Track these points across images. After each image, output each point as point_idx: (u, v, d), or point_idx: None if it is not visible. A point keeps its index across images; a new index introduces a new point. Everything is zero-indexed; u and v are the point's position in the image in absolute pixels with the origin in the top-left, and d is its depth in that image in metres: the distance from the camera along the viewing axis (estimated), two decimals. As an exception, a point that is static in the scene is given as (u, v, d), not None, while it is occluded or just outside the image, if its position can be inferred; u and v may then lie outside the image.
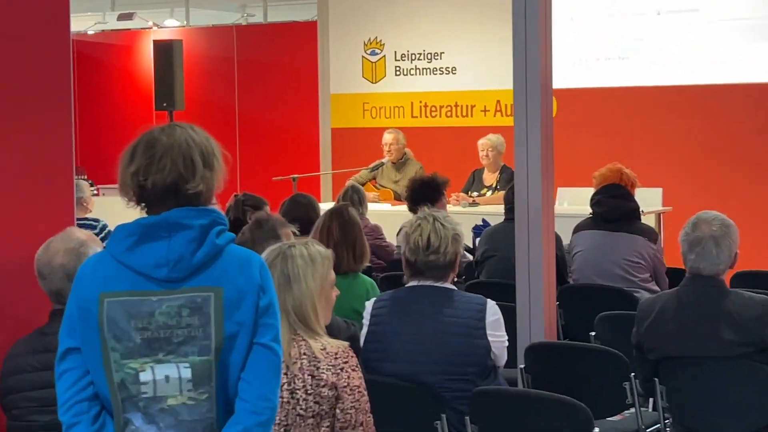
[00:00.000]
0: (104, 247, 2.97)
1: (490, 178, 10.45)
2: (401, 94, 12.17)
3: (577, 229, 7.08)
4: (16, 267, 4.31)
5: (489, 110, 11.75)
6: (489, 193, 10.39)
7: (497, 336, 4.50)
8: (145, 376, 2.84)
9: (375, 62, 12.36)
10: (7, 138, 4.37)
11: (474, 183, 10.48)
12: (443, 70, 11.99)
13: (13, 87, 4.39)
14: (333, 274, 3.89)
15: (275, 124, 12.74)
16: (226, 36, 14.10)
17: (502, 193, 10.15)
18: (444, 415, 4.41)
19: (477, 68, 11.80)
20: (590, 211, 7.04)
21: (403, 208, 8.93)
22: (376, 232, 8.23)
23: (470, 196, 10.14)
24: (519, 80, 5.54)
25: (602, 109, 11.12)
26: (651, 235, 6.87)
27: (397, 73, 12.24)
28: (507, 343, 4.58)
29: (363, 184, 10.65)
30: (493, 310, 4.52)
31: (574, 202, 10.00)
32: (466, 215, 8.97)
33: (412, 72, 12.16)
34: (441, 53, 12.04)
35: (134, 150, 2.92)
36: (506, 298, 5.69)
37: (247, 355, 2.88)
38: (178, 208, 2.87)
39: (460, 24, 11.82)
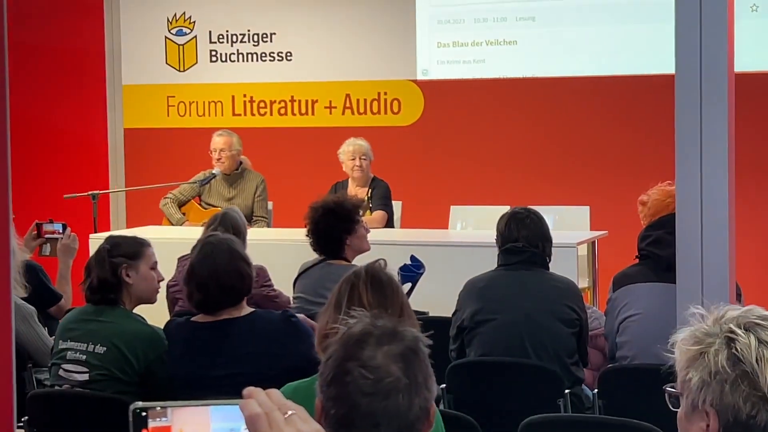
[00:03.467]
0: None
1: (359, 193, 8.12)
2: (218, 85, 9.84)
3: (623, 280, 4.81)
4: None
5: (336, 107, 9.46)
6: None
7: None
8: None
9: (183, 45, 9.93)
10: None
11: (337, 201, 8.10)
12: (274, 55, 9.70)
13: None
14: None
15: (49, 123, 9.90)
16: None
17: (379, 213, 8.01)
18: None
19: (319, 54, 9.60)
20: (636, 253, 4.82)
21: (292, 235, 7.12)
22: (261, 276, 5.86)
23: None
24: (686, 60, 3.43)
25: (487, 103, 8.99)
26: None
27: (213, 58, 9.87)
28: None
29: (184, 203, 8.39)
30: None
31: (479, 225, 7.87)
32: (386, 246, 6.49)
33: (233, 58, 9.82)
34: (271, 34, 9.68)
35: None
36: (518, 385, 4.41)
37: None
38: None
39: (295, -3, 9.71)
